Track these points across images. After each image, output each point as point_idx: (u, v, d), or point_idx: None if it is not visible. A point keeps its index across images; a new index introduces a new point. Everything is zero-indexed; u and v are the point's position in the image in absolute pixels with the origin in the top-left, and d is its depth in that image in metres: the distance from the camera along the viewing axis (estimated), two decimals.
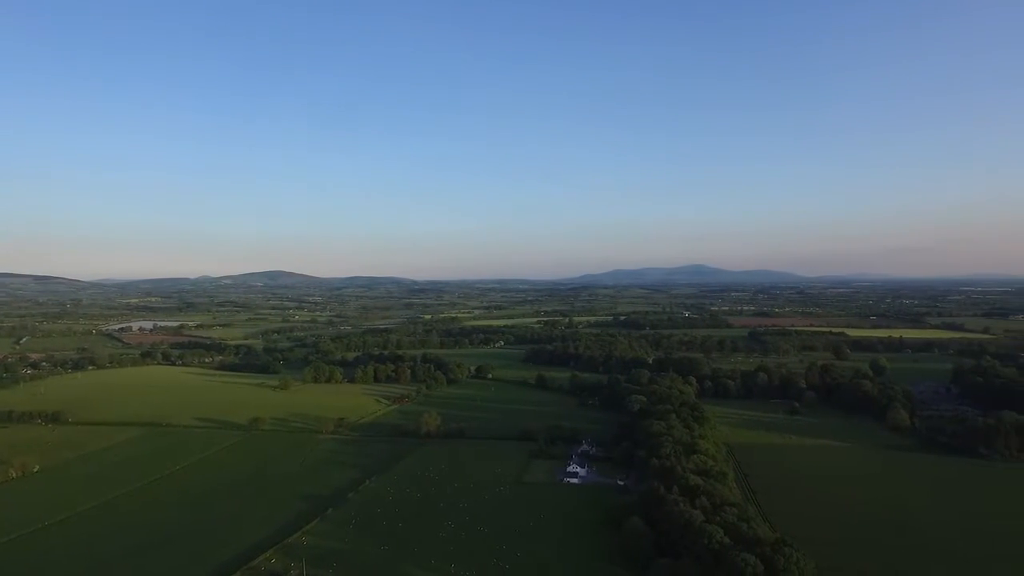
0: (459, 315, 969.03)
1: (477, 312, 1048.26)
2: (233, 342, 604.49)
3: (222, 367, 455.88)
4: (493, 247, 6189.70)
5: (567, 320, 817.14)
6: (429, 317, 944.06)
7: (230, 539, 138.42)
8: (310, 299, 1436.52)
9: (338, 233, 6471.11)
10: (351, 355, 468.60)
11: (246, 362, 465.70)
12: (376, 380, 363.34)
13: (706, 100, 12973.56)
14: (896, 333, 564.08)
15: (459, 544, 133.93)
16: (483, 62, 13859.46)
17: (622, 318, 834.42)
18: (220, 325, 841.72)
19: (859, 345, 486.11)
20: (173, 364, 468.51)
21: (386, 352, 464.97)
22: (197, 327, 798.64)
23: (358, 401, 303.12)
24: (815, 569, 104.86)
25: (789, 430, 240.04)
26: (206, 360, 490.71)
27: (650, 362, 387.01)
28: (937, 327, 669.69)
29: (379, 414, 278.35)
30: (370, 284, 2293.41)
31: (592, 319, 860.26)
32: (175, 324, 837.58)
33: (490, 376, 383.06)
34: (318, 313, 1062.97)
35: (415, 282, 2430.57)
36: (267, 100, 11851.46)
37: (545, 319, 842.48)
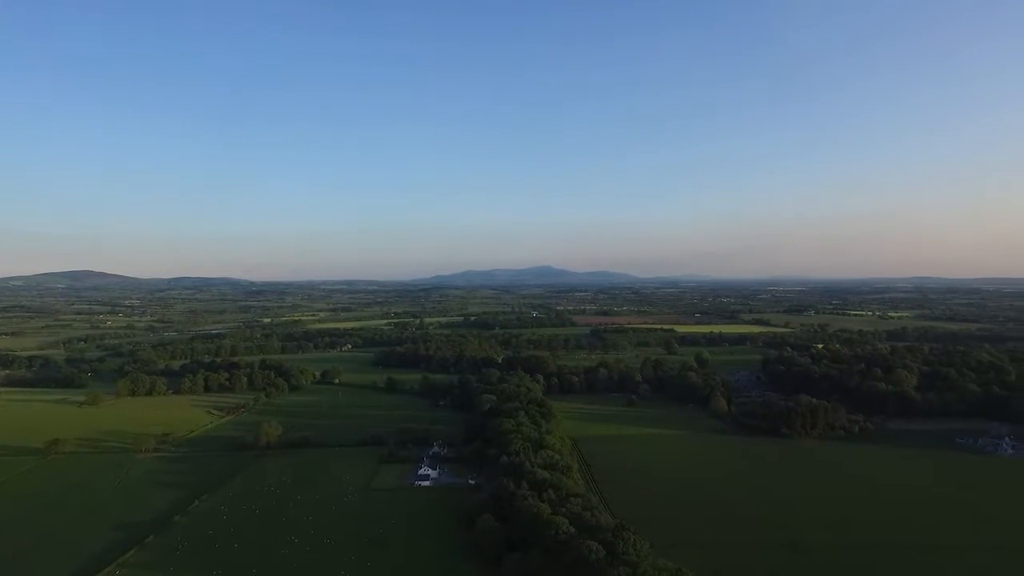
0: (303, 318, 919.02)
1: (323, 315, 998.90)
2: (24, 353, 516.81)
3: (9, 383, 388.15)
4: (340, 247, 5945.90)
5: (418, 321, 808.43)
6: (269, 320, 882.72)
7: None
8: (126, 302, 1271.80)
9: (160, 230, 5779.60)
10: (177, 364, 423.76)
11: (42, 376, 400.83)
12: (207, 390, 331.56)
13: (545, 98, 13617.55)
14: (716, 328, 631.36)
15: (303, 559, 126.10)
16: (325, 64, 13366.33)
17: (473, 318, 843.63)
18: (6, 334, 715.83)
19: (686, 340, 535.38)
20: None
21: (219, 359, 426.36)
22: None
23: (186, 414, 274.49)
24: (650, 548, 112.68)
25: (627, 421, 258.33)
26: None
27: (500, 361, 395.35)
28: (749, 323, 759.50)
29: (211, 427, 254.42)
30: (200, 285, 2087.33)
31: (443, 320, 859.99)
32: None
33: (337, 381, 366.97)
34: (136, 318, 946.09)
35: (252, 283, 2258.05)
36: (86, 95, 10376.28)
37: (395, 320, 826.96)
